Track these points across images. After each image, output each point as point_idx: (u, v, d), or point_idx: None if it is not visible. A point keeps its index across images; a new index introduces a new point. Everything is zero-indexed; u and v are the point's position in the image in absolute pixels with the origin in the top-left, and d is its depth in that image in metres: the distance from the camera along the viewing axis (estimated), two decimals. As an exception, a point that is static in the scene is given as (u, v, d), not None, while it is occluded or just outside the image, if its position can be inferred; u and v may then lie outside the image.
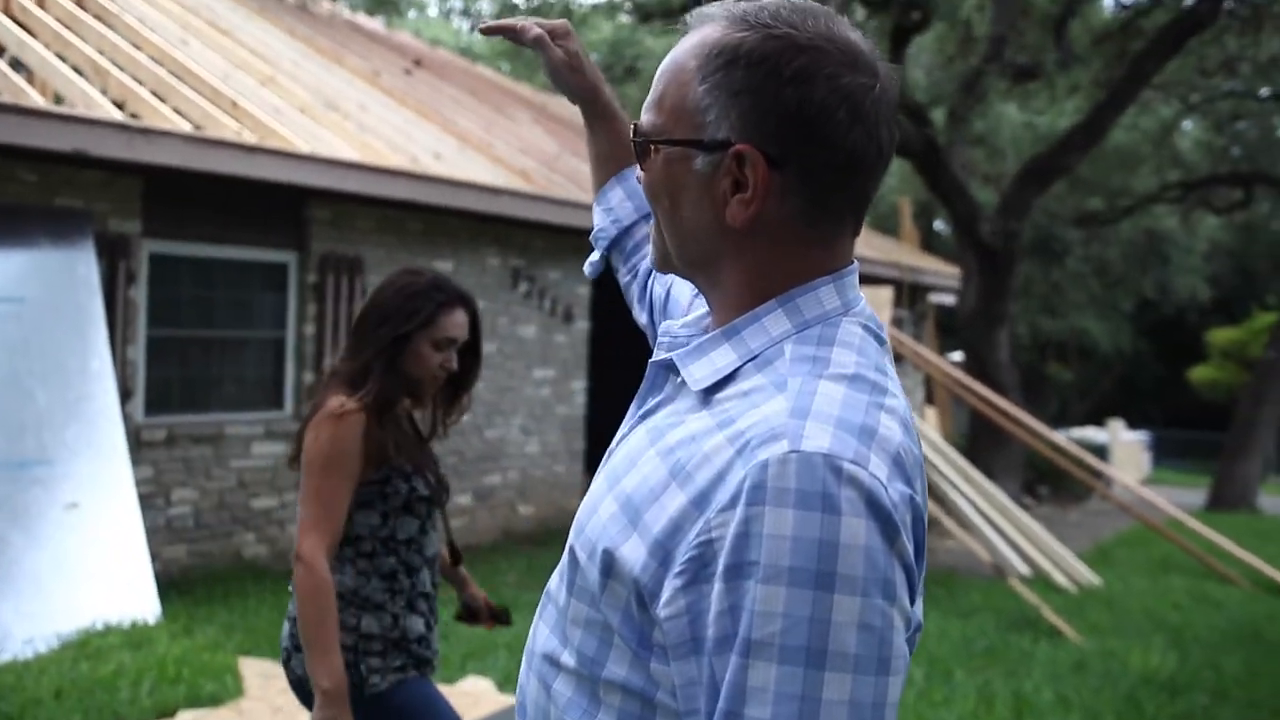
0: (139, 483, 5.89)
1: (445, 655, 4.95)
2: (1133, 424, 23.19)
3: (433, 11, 23.32)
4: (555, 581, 1.06)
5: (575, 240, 9.05)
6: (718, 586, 0.86)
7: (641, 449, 0.99)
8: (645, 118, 1.04)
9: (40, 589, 5.11)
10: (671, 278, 1.37)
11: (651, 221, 1.09)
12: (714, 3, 1.03)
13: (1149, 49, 11.33)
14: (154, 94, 6.49)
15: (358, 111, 8.09)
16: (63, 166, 5.82)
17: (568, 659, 1.00)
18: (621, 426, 1.11)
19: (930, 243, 21.54)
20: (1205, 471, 20.27)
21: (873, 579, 0.84)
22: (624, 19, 19.11)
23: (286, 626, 2.27)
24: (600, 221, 1.52)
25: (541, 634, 1.06)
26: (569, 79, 1.44)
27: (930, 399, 15.53)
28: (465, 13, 23.14)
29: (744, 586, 0.84)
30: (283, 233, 7.01)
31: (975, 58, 14.28)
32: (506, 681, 4.62)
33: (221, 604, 5.76)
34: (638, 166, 1.37)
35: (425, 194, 7.12)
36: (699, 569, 0.87)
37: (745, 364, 0.98)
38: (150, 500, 6.25)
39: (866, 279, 12.06)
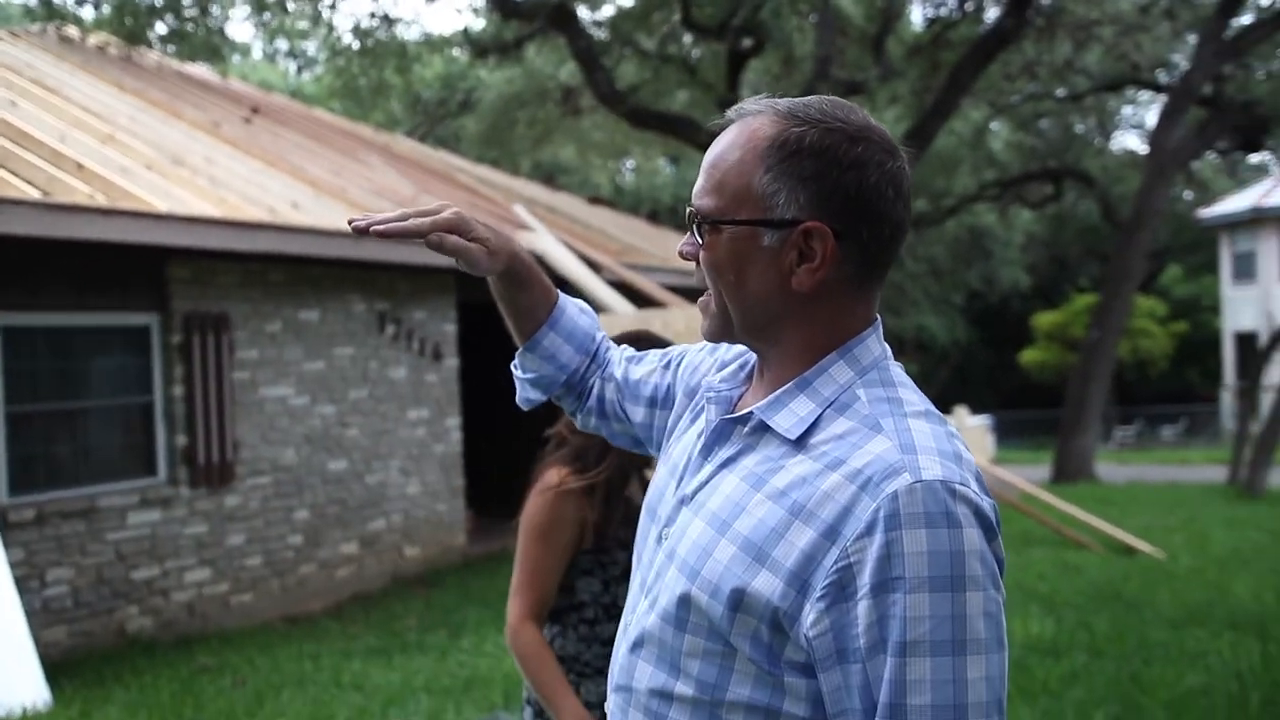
0: (10, 566, 5.61)
1: (364, 705, 4.93)
2: (971, 410, 24.52)
3: (256, 54, 22.75)
4: (653, 622, 1.17)
5: (438, 279, 9.07)
6: (863, 603, 1.01)
7: (744, 495, 1.13)
8: (704, 202, 1.17)
9: (-82, 690, 4.83)
10: (654, 372, 1.48)
11: (710, 296, 1.20)
12: (752, 99, 1.20)
13: (964, 61, 12.13)
14: (-8, 161, 6.23)
15: (205, 165, 7.92)
16: (-100, 243, 5.54)
17: (684, 689, 1.13)
18: (668, 475, 1.26)
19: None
20: (1042, 447, 21.59)
21: (987, 574, 1.03)
22: (456, 53, 19.14)
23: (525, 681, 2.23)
24: (538, 369, 1.52)
25: (644, 672, 1.18)
26: (489, 265, 1.38)
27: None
28: (291, 54, 22.69)
29: (890, 599, 1.00)
30: (142, 294, 6.81)
31: (800, 76, 14.97)
32: (431, 723, 4.64)
33: (116, 683, 5.55)
34: (562, 311, 1.50)
35: (290, 245, 7.04)
36: (839, 591, 1.03)
37: (825, 410, 1.14)
38: (24, 583, 5.96)
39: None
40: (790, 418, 1.14)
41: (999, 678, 1.02)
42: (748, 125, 1.16)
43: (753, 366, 1.27)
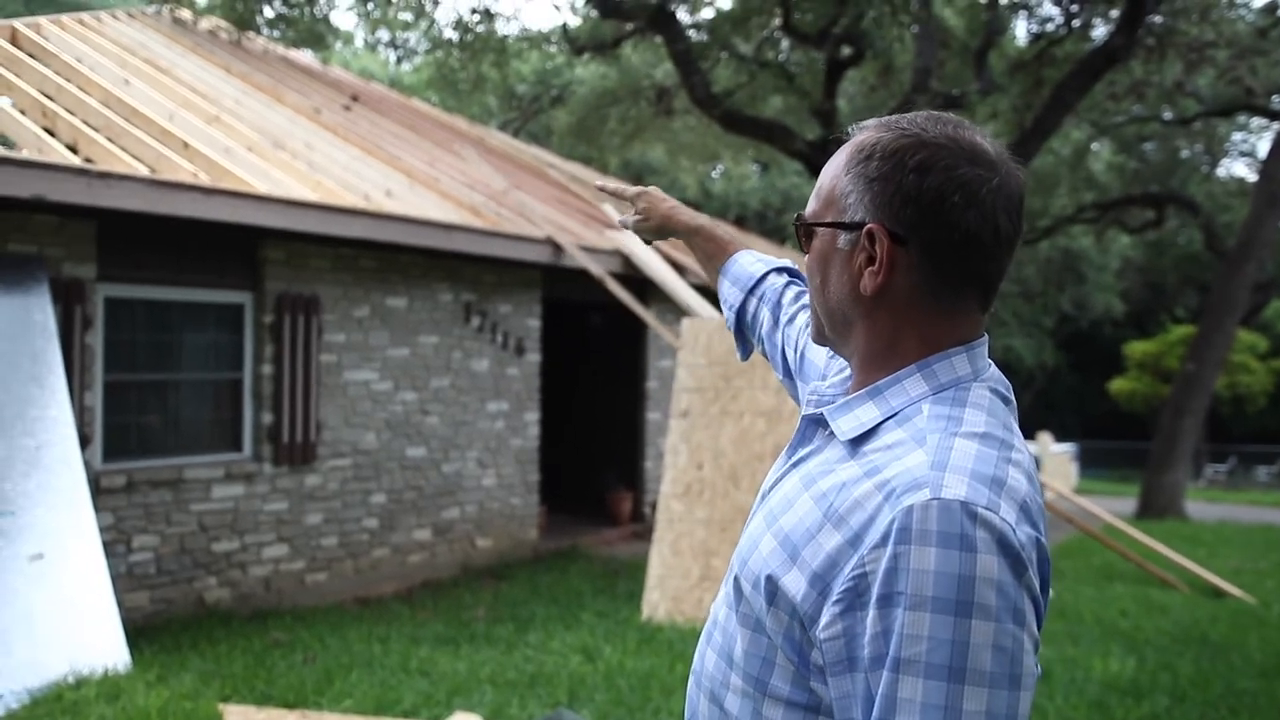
0: (99, 530, 5.78)
1: (430, 692, 4.97)
2: (1055, 437, 23.91)
3: (358, 42, 23.22)
4: (724, 611, 1.21)
5: (524, 274, 9.14)
6: (871, 613, 1.01)
7: (796, 493, 1.15)
8: (809, 206, 1.25)
9: (7, 644, 5.00)
10: (804, 342, 1.55)
11: (809, 299, 1.30)
12: (871, 120, 1.23)
13: (1069, 79, 11.83)
14: (105, 136, 6.43)
15: (305, 150, 8.08)
16: (13, 212, 5.74)
17: (736, 679, 1.16)
18: (771, 472, 1.28)
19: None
20: (1128, 480, 20.97)
21: (1005, 607, 0.98)
22: (552, 49, 19.29)
23: None
24: (725, 315, 1.76)
25: (710, 659, 1.21)
26: (670, 230, 1.77)
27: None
28: (392, 44, 23.11)
29: (893, 613, 0.99)
30: (237, 273, 6.97)
31: (898, 87, 14.74)
32: (495, 716, 4.65)
33: (192, 650, 5.68)
34: (735, 258, 1.76)
35: (381, 232, 7.14)
36: (854, 598, 1.02)
37: (886, 420, 1.13)
38: (111, 547, 6.15)
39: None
40: (850, 422, 1.15)
41: (1004, 718, 0.97)
42: (857, 137, 1.20)
43: None
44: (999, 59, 15.23)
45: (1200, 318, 17.51)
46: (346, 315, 7.60)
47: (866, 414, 1.15)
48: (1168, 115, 18.95)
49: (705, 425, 7.53)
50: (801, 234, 1.24)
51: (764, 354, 1.70)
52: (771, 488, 1.23)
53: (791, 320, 1.61)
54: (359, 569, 7.74)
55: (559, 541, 9.57)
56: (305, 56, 13.87)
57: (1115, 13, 13.92)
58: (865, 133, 1.19)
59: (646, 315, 8.71)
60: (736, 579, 1.17)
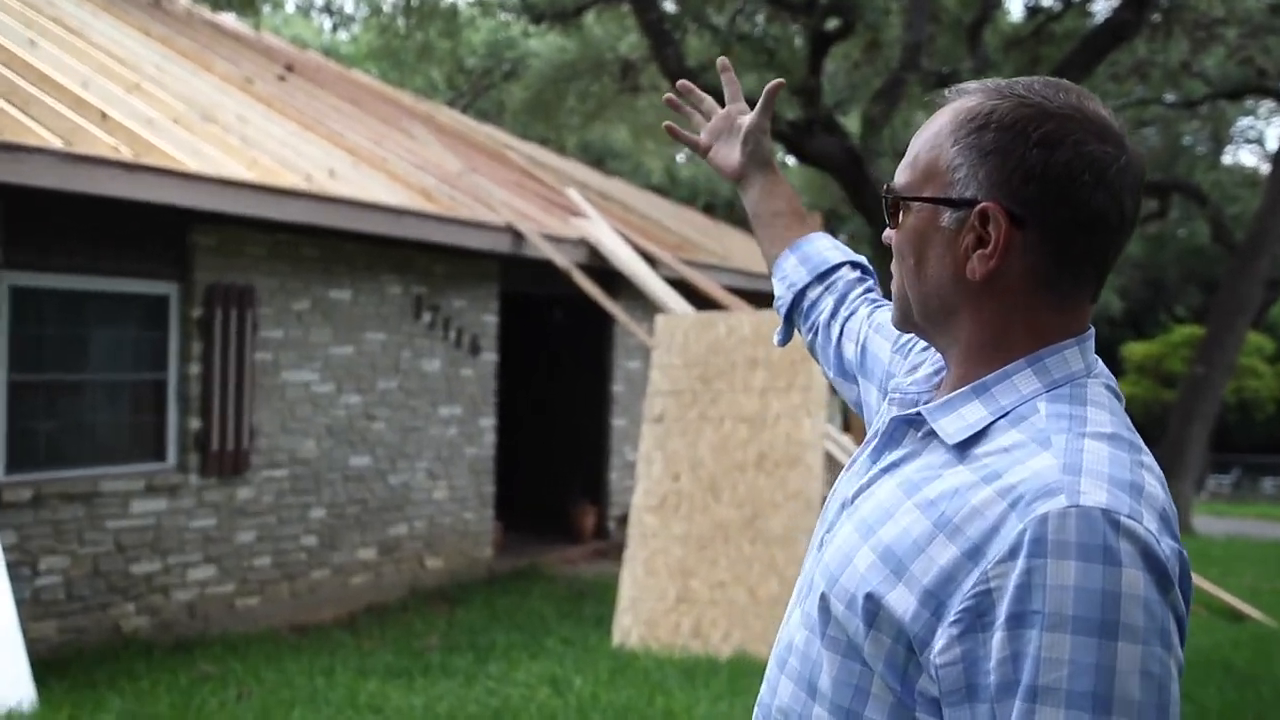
0: (1, 550, 5.60)
1: None
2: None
3: (290, 7, 22.94)
4: (802, 635, 1.18)
5: (480, 265, 9.02)
6: (998, 635, 0.97)
7: (896, 501, 1.11)
8: (899, 178, 1.21)
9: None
10: (866, 335, 1.53)
11: (894, 282, 1.24)
12: (971, 83, 1.18)
13: (1072, 57, 11.92)
14: (11, 104, 6.23)
15: (237, 123, 7.91)
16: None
17: (820, 711, 1.13)
18: (847, 479, 1.24)
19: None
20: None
21: (1152, 628, 0.96)
22: (505, 18, 19.15)
23: None
24: (779, 290, 1.71)
25: (785, 689, 1.18)
26: (760, 145, 1.69)
27: (847, 425, 15.91)
28: (327, 9, 22.85)
29: (1027, 635, 0.96)
30: (162, 261, 6.79)
31: (883, 65, 14.79)
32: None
33: (108, 687, 5.51)
34: (810, 238, 1.69)
35: (324, 216, 7.00)
36: (975, 618, 0.99)
37: (998, 420, 1.10)
38: (15, 570, 5.94)
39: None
40: (957, 422, 1.12)
41: None
42: (957, 103, 1.17)
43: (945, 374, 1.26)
44: (994, 35, 15.34)
45: (1206, 317, 17.74)
46: (284, 309, 7.44)
47: (973, 414, 1.12)
48: (1170, 97, 19.18)
49: (682, 432, 7.47)
50: (891, 208, 1.21)
51: (811, 348, 1.68)
52: (856, 496, 1.19)
53: (854, 313, 1.59)
54: (296, 592, 7.59)
55: (517, 560, 9.47)
56: (232, 21, 13.63)
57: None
58: (970, 97, 1.15)
59: (617, 311, 8.63)
60: (824, 598, 1.13)
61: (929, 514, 1.06)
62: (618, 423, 10.89)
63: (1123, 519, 0.97)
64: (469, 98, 21.36)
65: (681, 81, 1.73)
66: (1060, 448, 1.03)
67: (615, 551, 10.20)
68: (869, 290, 1.64)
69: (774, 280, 1.72)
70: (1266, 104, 22.71)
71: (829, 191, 20.13)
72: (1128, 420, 1.11)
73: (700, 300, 9.19)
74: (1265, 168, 23.95)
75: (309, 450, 7.64)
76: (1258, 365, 24.32)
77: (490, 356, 9.24)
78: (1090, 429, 1.06)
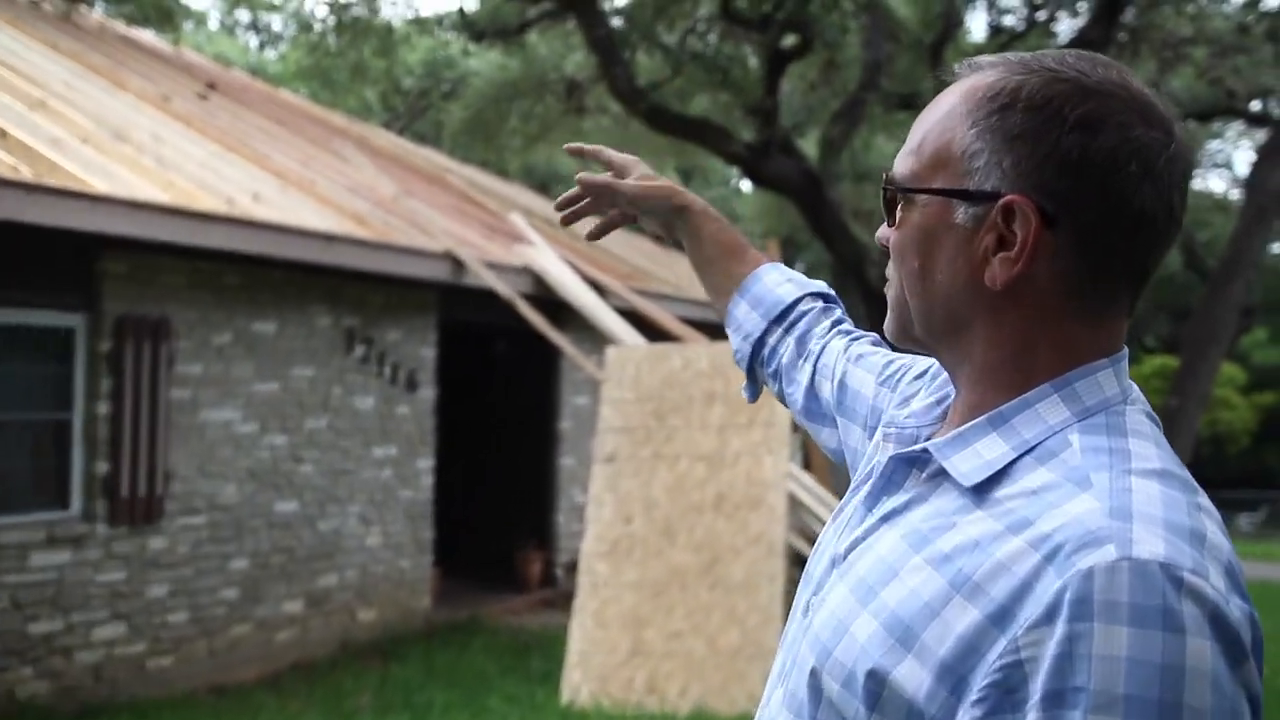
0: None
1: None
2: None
3: (213, 24, 22.76)
4: (785, 717, 1.06)
5: (418, 295, 8.88)
6: (1032, 716, 0.85)
7: (901, 557, 0.99)
8: (900, 166, 1.07)
9: None
10: (844, 370, 1.41)
11: (890, 288, 1.11)
12: (986, 56, 1.07)
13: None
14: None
15: (152, 143, 7.74)
16: None
17: None
18: (836, 529, 1.13)
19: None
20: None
21: (1221, 710, 0.83)
22: (443, 36, 19.11)
23: None
24: (735, 343, 1.60)
25: None
26: (658, 202, 1.56)
27: (808, 463, 15.88)
28: (254, 26, 22.68)
29: (1068, 717, 0.84)
30: (68, 290, 6.59)
31: (841, 85, 14.88)
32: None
33: (3, 759, 5.27)
34: (757, 275, 1.56)
35: (248, 242, 6.84)
36: (1003, 695, 0.87)
37: (1021, 457, 0.98)
38: (-99, 632, 5.70)
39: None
40: (972, 460, 0.99)
41: None
42: (969, 80, 1.05)
43: (950, 403, 1.13)
44: (955, 55, 15.53)
45: (1178, 346, 17.97)
46: (204, 342, 7.26)
47: (992, 449, 0.99)
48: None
49: (634, 471, 7.36)
50: (890, 202, 1.08)
51: (781, 398, 1.56)
52: (850, 551, 1.07)
53: (825, 347, 1.47)
54: (215, 650, 7.36)
55: (456, 611, 9.27)
56: (150, 37, 13.45)
57: (1083, 4, 14.30)
58: (987, 72, 1.03)
59: (564, 344, 8.53)
60: (814, 674, 1.01)
61: (943, 571, 0.94)
62: (565, 462, 10.75)
63: (1186, 575, 0.85)
64: (405, 119, 21.25)
65: (579, 176, 1.60)
66: (1103, 488, 0.91)
67: (563, 601, 10.04)
68: (838, 322, 1.52)
69: (729, 333, 1.59)
70: (1235, 126, 23.20)
71: (786, 217, 20.21)
72: (1175, 455, 1.00)
73: (653, 332, 9.11)
74: (1235, 192, 24.47)
75: (230, 495, 7.43)
76: (1231, 396, 24.71)
77: (428, 393, 9.09)
78: (1136, 465, 0.94)
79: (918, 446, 1.06)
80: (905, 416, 1.17)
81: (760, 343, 1.54)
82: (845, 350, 1.44)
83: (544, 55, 16.44)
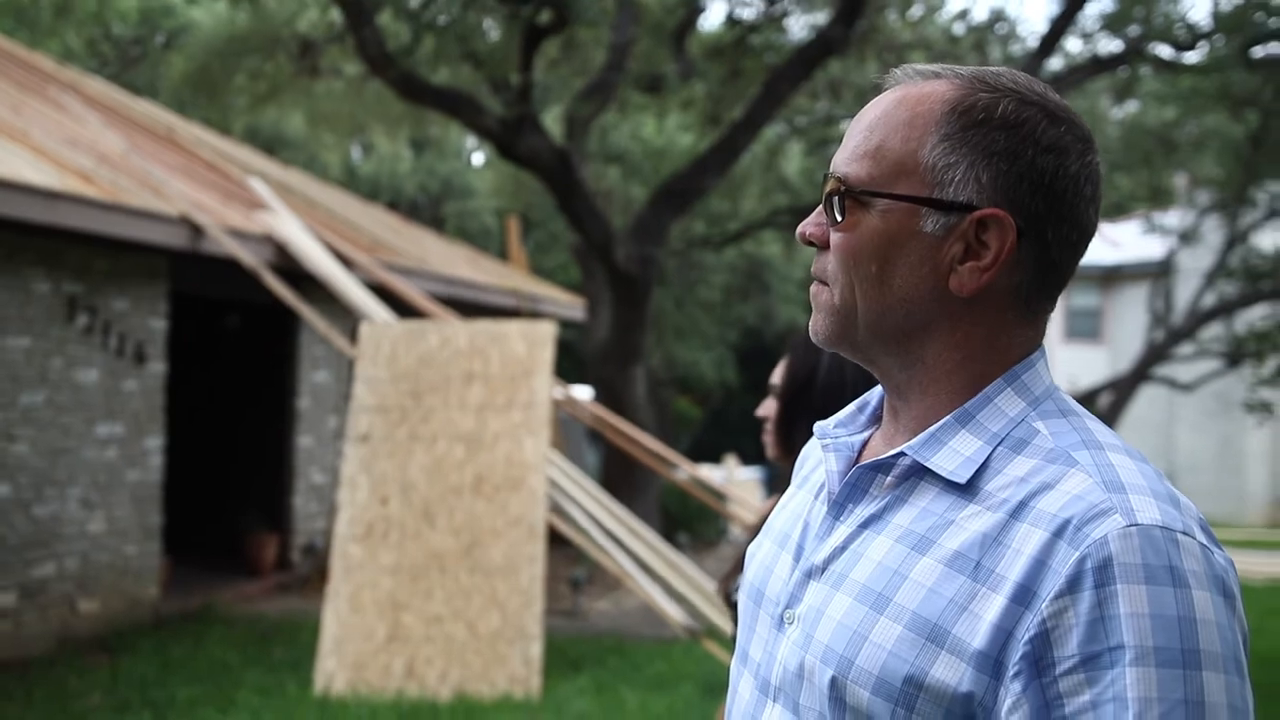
0: None
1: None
2: (741, 460, 25.29)
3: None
4: None
5: (146, 261, 8.34)
6: (1073, 679, 0.92)
7: (905, 560, 1.03)
8: (854, 168, 1.09)
9: None
10: None
11: (832, 290, 1.11)
12: (925, 65, 1.11)
13: (784, 70, 12.55)
14: None
15: None
16: None
17: None
18: (782, 547, 1.18)
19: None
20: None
21: (1228, 655, 0.93)
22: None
23: None
24: None
25: None
26: None
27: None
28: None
29: (1108, 675, 0.91)
30: None
31: (583, 64, 15.00)
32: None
33: None
34: None
35: (-38, 197, 6.21)
36: (1034, 666, 0.94)
37: (996, 448, 1.05)
38: None
39: (481, 308, 12.19)
40: (953, 457, 1.05)
41: None
42: (920, 87, 1.09)
43: (875, 407, 1.19)
44: (697, 43, 15.91)
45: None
46: (-97, 307, 6.54)
47: (968, 445, 1.05)
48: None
49: (390, 452, 7.19)
50: (842, 203, 1.08)
51: None
52: (829, 561, 1.10)
53: None
54: (-86, 650, 6.67)
55: (188, 600, 8.79)
56: None
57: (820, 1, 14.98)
58: (939, 84, 1.08)
59: (316, 320, 8.22)
60: (835, 684, 1.03)
61: (960, 568, 1.00)
62: (303, 442, 10.36)
63: (1179, 535, 0.95)
64: (116, 68, 19.81)
65: None
66: (1090, 464, 1.00)
67: (300, 585, 9.72)
68: None
69: None
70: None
71: (522, 195, 20.18)
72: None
73: (401, 307, 8.90)
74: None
75: (-66, 478, 6.75)
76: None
77: (158, 367, 8.54)
78: (1104, 442, 1.04)
79: (892, 451, 1.09)
80: (834, 426, 1.20)
81: None
82: None
83: (275, 10, 15.72)
